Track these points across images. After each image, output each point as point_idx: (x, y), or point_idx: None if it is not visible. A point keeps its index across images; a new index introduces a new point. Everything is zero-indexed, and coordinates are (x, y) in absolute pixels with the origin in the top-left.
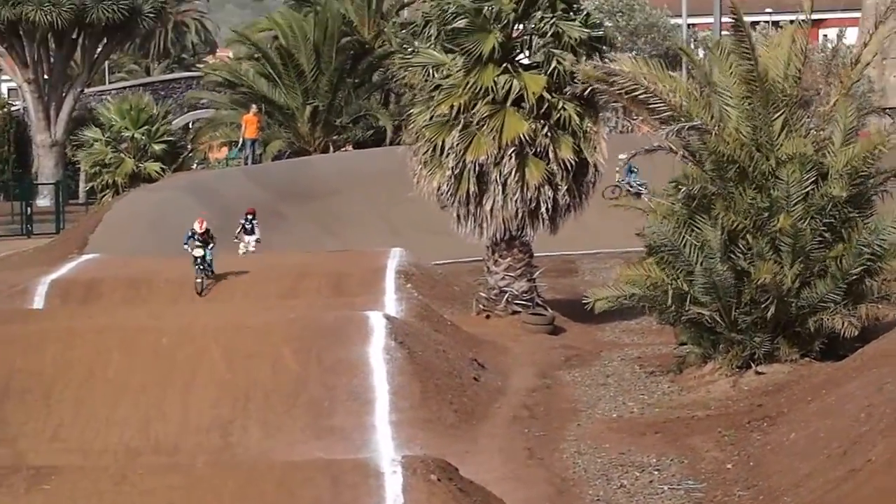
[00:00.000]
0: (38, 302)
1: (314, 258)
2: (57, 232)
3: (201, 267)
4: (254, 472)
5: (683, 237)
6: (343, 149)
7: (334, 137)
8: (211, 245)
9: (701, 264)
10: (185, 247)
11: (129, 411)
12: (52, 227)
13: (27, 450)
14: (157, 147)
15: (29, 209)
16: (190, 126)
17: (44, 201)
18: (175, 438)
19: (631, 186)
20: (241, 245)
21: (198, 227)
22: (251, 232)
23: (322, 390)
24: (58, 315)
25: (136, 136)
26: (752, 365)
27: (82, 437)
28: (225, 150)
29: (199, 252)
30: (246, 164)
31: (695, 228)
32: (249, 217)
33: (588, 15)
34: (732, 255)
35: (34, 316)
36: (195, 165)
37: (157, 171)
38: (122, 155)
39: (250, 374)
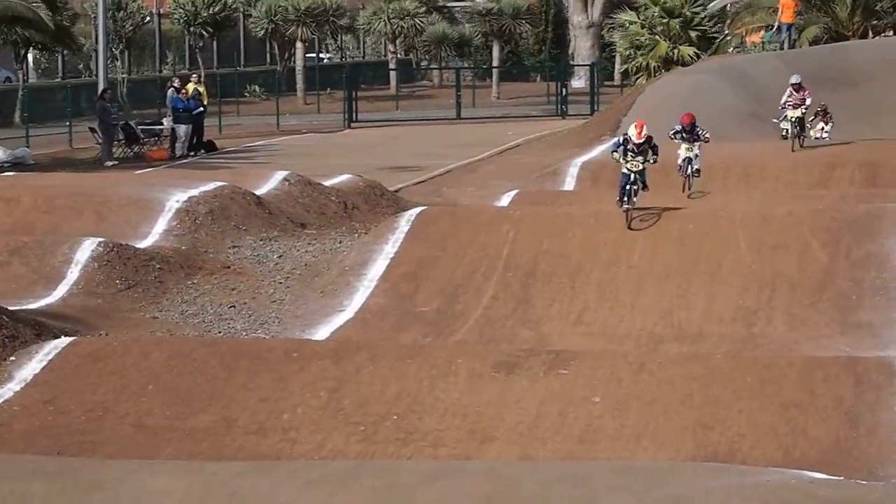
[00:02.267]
0: (568, 183)
1: (847, 147)
2: (591, 113)
3: (632, 185)
4: (773, 368)
5: None
6: (883, 34)
7: (874, 22)
8: (653, 159)
9: None
10: (615, 155)
11: (653, 298)
12: (587, 109)
13: (551, 332)
14: (691, 32)
15: (564, 90)
16: (727, 9)
17: (579, 82)
18: (698, 327)
19: None
20: (683, 151)
21: (634, 135)
22: (694, 139)
23: (849, 284)
24: (587, 197)
25: (671, 22)
26: None
27: (606, 321)
28: (761, 34)
29: (634, 165)
30: (781, 48)
31: None
32: (686, 127)
33: None
34: None
35: (564, 198)
36: (731, 49)
37: (690, 56)
38: (657, 38)
39: (776, 265)
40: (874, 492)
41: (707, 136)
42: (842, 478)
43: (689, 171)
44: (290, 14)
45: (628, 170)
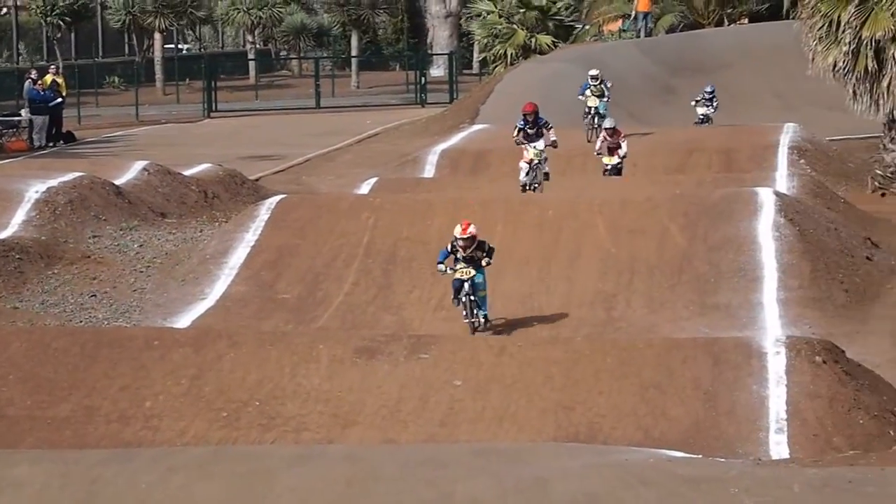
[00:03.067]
0: (428, 171)
1: (704, 133)
2: (450, 101)
3: (470, 299)
4: (633, 350)
5: None
6: (738, 22)
7: (728, 10)
8: (486, 262)
9: None
10: (440, 268)
11: (513, 283)
12: (446, 97)
13: (412, 318)
14: (549, 21)
15: (423, 79)
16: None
17: (437, 71)
18: (559, 311)
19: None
20: (529, 152)
21: (459, 234)
22: (538, 136)
23: (707, 267)
24: (446, 185)
25: (528, 12)
26: None
27: None
28: (619, 22)
29: (464, 273)
30: (638, 36)
31: None
32: (529, 117)
33: None
34: None
35: (423, 185)
36: (589, 38)
37: (548, 44)
38: (514, 27)
39: (634, 249)
40: (732, 469)
41: (554, 138)
42: (701, 456)
43: (537, 180)
44: (147, 5)
45: (459, 279)
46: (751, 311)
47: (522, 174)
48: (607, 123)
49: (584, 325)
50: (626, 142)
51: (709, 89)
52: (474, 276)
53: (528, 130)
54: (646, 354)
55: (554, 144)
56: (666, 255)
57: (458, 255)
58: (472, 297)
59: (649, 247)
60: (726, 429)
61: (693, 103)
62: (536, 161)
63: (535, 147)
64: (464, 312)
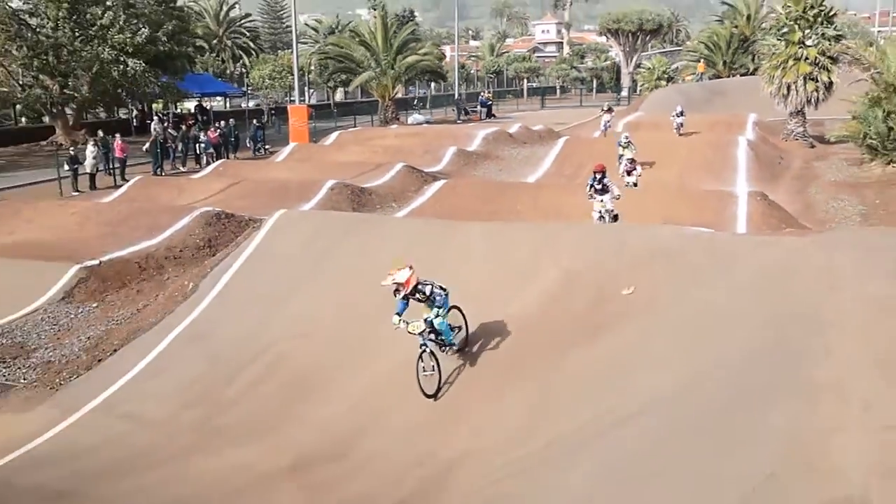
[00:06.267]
0: (623, 128)
1: (720, 118)
2: (628, 104)
3: (428, 347)
4: (680, 193)
5: None
6: (739, 75)
7: (733, 70)
8: (438, 306)
9: None
10: (394, 320)
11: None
12: (626, 103)
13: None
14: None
15: (618, 94)
16: (678, 68)
17: (624, 92)
18: (672, 182)
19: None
20: (597, 205)
21: (393, 280)
22: (604, 191)
23: (719, 164)
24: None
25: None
26: None
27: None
28: (691, 76)
29: (415, 326)
30: (698, 81)
31: None
32: (598, 175)
33: (835, 25)
34: None
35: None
36: (680, 81)
37: (665, 83)
38: (653, 76)
39: (692, 157)
40: (723, 236)
41: (617, 193)
42: (714, 231)
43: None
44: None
45: (413, 333)
46: (734, 181)
47: (595, 218)
48: (629, 154)
49: (668, 183)
50: (637, 169)
51: (679, 109)
52: (429, 324)
53: (596, 186)
54: (694, 195)
55: (617, 197)
56: (703, 160)
57: (401, 296)
58: (430, 346)
59: (696, 157)
60: (723, 223)
61: (671, 118)
62: (604, 210)
63: (601, 201)
64: (425, 372)
